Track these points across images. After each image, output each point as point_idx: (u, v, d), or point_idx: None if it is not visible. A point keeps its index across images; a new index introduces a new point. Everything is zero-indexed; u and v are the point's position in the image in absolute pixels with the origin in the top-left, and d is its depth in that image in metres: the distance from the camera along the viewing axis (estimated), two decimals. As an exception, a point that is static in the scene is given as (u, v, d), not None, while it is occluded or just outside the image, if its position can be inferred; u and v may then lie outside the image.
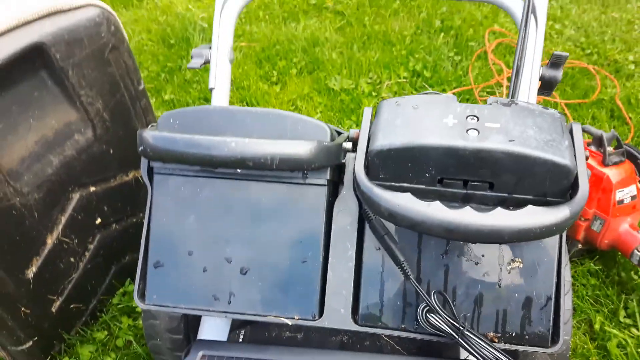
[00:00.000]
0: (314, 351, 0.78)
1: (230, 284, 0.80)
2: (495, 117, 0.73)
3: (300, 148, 0.74)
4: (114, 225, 1.27)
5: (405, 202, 0.69)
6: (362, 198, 0.73)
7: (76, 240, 1.15)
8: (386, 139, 0.73)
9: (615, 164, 1.31)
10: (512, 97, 0.96)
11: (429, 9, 2.69)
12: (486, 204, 0.74)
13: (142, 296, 0.82)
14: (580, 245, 1.39)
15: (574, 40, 2.51)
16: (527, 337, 0.74)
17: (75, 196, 1.13)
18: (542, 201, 0.70)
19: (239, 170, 0.78)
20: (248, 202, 0.80)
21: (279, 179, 0.79)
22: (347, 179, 0.82)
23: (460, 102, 0.77)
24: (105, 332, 1.29)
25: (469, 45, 2.45)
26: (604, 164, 1.31)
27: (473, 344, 0.70)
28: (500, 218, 0.67)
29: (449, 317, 0.71)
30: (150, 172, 0.82)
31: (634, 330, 1.26)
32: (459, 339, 0.70)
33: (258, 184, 0.80)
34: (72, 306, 1.18)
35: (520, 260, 0.75)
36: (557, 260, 0.74)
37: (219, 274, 0.80)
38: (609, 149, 1.32)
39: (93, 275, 1.25)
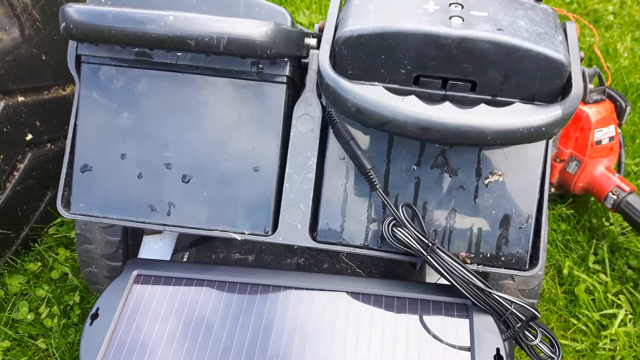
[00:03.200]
0: (266, 271, 0.69)
1: (170, 193, 0.69)
2: (482, 5, 0.63)
3: (254, 29, 0.62)
4: (48, 144, 1.13)
5: (375, 95, 0.59)
6: (326, 93, 0.63)
7: (1, 156, 1.01)
8: (356, 24, 0.62)
9: (595, 102, 1.24)
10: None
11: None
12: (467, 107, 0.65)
13: (66, 205, 0.70)
14: (553, 189, 1.33)
15: (554, -11, 2.42)
16: (502, 258, 0.66)
17: (0, 104, 0.99)
18: (530, 104, 0.62)
19: (179, 55, 0.66)
20: (192, 100, 0.68)
21: (229, 73, 0.67)
22: (310, 80, 0.72)
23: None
24: (39, 264, 1.17)
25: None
26: (584, 101, 1.24)
27: (443, 263, 0.62)
28: (484, 115, 0.58)
29: (417, 232, 0.62)
30: (78, 61, 0.69)
31: (602, 276, 1.23)
32: (428, 257, 0.62)
33: (204, 79, 0.68)
34: (-2, 231, 1.05)
35: (499, 173, 0.66)
36: (540, 174, 0.66)
37: (156, 181, 0.69)
38: (590, 86, 1.25)
39: (24, 200, 1.12)
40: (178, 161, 0.69)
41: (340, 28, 0.63)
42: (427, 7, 0.62)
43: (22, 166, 1.07)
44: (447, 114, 0.58)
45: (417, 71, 0.63)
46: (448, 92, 0.64)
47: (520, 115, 0.58)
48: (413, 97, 0.59)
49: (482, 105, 0.59)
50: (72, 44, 0.68)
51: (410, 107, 0.58)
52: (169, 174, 0.69)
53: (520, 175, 0.66)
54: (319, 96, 0.70)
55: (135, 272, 0.70)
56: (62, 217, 0.70)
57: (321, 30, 0.71)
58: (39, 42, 1.02)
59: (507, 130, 0.58)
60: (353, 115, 0.61)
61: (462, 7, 0.63)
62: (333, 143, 0.68)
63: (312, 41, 0.72)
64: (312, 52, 0.72)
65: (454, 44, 0.59)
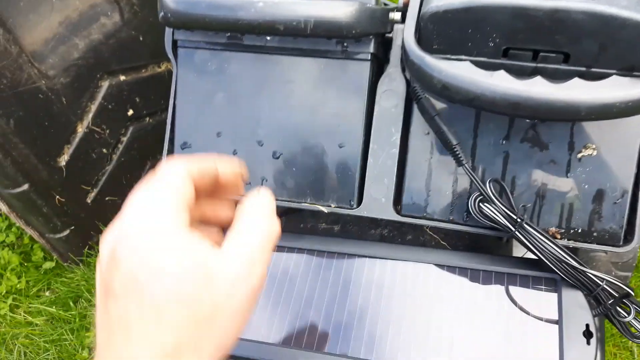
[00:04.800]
0: (351, 241, 0.72)
1: (263, 169, 0.73)
2: None
3: (340, 10, 0.63)
4: (147, 118, 1.23)
5: (463, 71, 0.59)
6: (411, 70, 0.63)
7: (108, 131, 1.11)
8: (442, 0, 0.61)
9: None
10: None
11: None
12: (559, 79, 0.63)
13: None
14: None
15: None
16: (594, 234, 0.65)
17: (105, 84, 1.08)
18: (628, 77, 0.59)
19: (268, 39, 0.69)
20: (280, 79, 0.71)
21: (315, 52, 0.69)
22: (394, 55, 0.72)
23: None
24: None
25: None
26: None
27: (532, 239, 0.62)
28: (578, 90, 0.56)
29: (505, 207, 0.62)
30: (175, 45, 0.74)
31: None
32: (516, 232, 0.62)
33: (291, 59, 0.71)
34: (107, 198, 1.17)
35: (594, 146, 0.64)
36: (639, 147, 0.63)
37: (250, 157, 0.73)
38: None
39: (127, 169, 1.22)
40: (269, 138, 0.72)
41: (426, 3, 0.63)
42: (517, -22, 0.60)
43: (125, 139, 1.17)
44: (538, 88, 0.56)
45: (507, 44, 0.61)
46: (539, 65, 0.62)
47: (617, 88, 0.55)
48: (502, 71, 0.58)
49: (576, 79, 0.56)
50: (168, 31, 0.73)
51: (499, 83, 0.57)
52: (261, 150, 0.73)
53: (616, 149, 0.63)
54: (403, 70, 0.70)
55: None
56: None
57: (406, 4, 0.70)
58: (137, 24, 1.09)
59: (603, 104, 0.55)
60: (439, 92, 0.61)
61: (554, -25, 0.60)
62: (417, 118, 0.69)
63: (397, 15, 0.72)
64: (396, 26, 0.72)
65: (546, 15, 0.57)
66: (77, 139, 1.04)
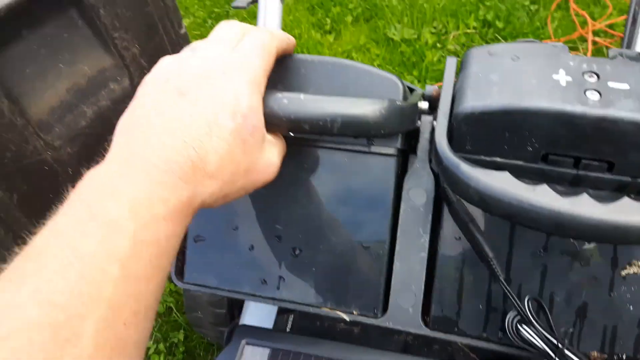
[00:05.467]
0: (373, 352, 0.66)
1: (280, 266, 0.68)
2: (621, 75, 0.56)
3: (368, 108, 0.59)
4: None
5: (502, 183, 0.54)
6: (444, 175, 0.59)
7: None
8: (478, 100, 0.57)
9: None
10: (629, 46, 0.78)
11: (503, -50, 2.41)
12: (601, 188, 0.59)
13: (180, 273, 0.72)
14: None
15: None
16: (641, 358, 0.59)
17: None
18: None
19: (291, 134, 0.65)
20: (302, 172, 0.67)
21: (338, 145, 0.66)
22: (421, 147, 0.68)
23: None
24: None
25: (548, -7, 2.18)
26: None
27: (573, 364, 0.56)
28: (629, 213, 0.52)
29: (545, 331, 0.57)
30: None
31: None
32: (556, 358, 0.56)
33: (313, 151, 0.67)
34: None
35: (639, 264, 0.59)
36: (689, 265, 0.58)
37: (267, 254, 0.69)
38: None
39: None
40: (288, 234, 0.68)
41: (459, 102, 0.59)
42: (558, 79, 0.56)
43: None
44: (585, 209, 0.52)
45: (547, 149, 0.57)
46: (580, 172, 0.58)
47: (673, 213, 0.51)
48: (545, 186, 0.53)
49: (625, 199, 0.52)
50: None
51: (542, 199, 0.53)
52: (279, 246, 0.68)
53: (664, 265, 0.59)
54: (430, 163, 0.66)
55: (244, 341, 0.71)
56: (176, 285, 0.72)
57: (433, 98, 0.67)
58: (147, 89, 1.06)
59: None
60: (475, 202, 0.56)
61: (598, 78, 0.56)
62: (448, 220, 0.64)
63: (424, 105, 0.68)
64: (424, 117, 0.68)
65: (591, 124, 0.53)
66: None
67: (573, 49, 1.96)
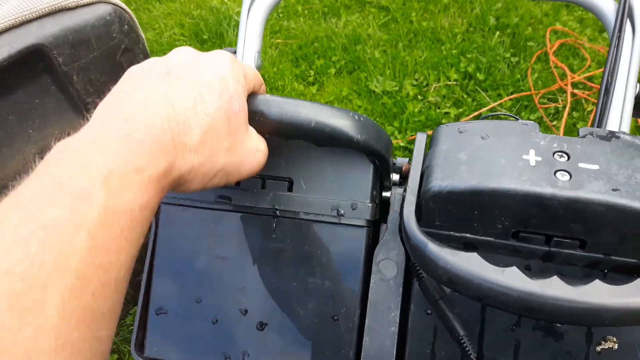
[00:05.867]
0: None
1: (245, 341, 0.66)
2: (592, 155, 0.56)
3: (345, 117, 0.58)
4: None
5: (471, 265, 0.53)
6: (412, 254, 0.57)
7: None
8: (446, 179, 0.56)
9: None
10: (601, 122, 0.79)
11: (482, 5, 2.48)
12: (574, 264, 0.58)
13: (140, 347, 0.68)
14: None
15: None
16: None
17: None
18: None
19: (258, 198, 0.63)
20: (269, 244, 0.65)
21: (307, 216, 0.64)
22: (391, 218, 0.67)
23: (541, 131, 0.60)
24: (115, 356, 1.18)
25: (528, 46, 2.23)
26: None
27: None
28: (602, 296, 0.50)
29: (520, 414, 0.54)
30: (156, 200, 0.69)
31: None
32: None
33: (282, 221, 0.65)
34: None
35: (614, 340, 0.58)
36: (666, 344, 0.57)
37: (231, 328, 0.66)
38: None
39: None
40: (254, 307, 0.66)
41: (428, 180, 0.58)
42: (528, 159, 0.56)
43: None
44: (555, 292, 0.50)
45: (517, 227, 0.56)
46: (552, 249, 0.57)
47: (644, 296, 0.49)
48: (514, 269, 0.52)
49: (597, 281, 0.51)
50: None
51: (512, 282, 0.51)
52: (245, 320, 0.66)
53: (639, 343, 0.57)
54: (401, 237, 0.65)
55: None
56: (136, 361, 0.68)
57: (403, 172, 0.66)
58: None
59: (629, 312, 0.49)
60: (444, 282, 0.55)
61: (569, 158, 0.56)
62: (418, 294, 0.62)
63: (394, 177, 0.68)
64: (394, 189, 0.68)
65: (562, 206, 0.53)
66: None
67: (552, 100, 1.99)
